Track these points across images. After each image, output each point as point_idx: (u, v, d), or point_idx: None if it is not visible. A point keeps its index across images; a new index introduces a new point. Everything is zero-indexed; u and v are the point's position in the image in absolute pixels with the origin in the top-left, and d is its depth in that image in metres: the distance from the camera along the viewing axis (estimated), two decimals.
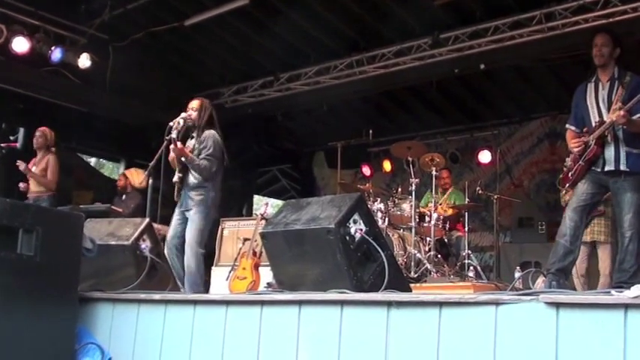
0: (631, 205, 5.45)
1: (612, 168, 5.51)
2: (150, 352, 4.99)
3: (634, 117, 5.43)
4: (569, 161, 5.87)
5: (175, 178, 6.64)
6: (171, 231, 6.77)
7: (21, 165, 8.82)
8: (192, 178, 6.63)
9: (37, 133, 9.09)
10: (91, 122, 11.97)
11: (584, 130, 5.77)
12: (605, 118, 5.57)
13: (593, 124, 5.67)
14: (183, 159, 6.54)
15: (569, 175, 5.81)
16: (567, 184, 5.90)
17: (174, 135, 6.49)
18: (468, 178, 11.84)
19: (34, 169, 8.92)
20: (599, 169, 5.59)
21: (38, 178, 8.86)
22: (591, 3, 8.75)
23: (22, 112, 11.36)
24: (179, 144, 6.50)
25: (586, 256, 7.46)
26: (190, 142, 6.78)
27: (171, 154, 6.68)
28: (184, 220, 6.66)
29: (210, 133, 6.70)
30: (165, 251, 6.67)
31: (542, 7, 9.08)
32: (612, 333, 3.02)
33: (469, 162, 12.79)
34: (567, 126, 6.03)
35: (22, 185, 9.00)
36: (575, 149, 5.73)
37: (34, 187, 8.90)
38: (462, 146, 13.04)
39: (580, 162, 5.66)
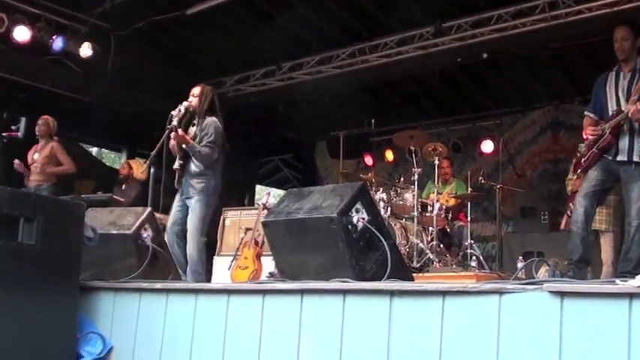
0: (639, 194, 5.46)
1: (625, 158, 5.51)
2: (151, 341, 4.99)
3: None
4: (583, 147, 5.89)
5: (176, 165, 6.62)
6: (171, 218, 6.76)
7: (18, 165, 8.86)
8: (194, 165, 6.61)
9: (40, 121, 9.12)
10: (93, 111, 11.93)
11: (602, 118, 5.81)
12: (622, 108, 5.57)
13: (611, 113, 5.67)
14: (184, 146, 6.53)
15: (582, 161, 5.83)
16: (579, 170, 5.94)
17: (175, 122, 6.48)
18: (471, 167, 11.81)
19: (36, 156, 8.93)
20: (610, 157, 5.59)
21: (52, 170, 8.88)
22: None
23: (24, 101, 11.34)
24: (180, 131, 6.49)
25: (615, 243, 7.45)
26: (192, 129, 6.77)
27: (172, 142, 6.67)
28: (185, 208, 6.66)
29: (212, 120, 6.68)
30: (166, 239, 6.66)
31: None
32: (617, 322, 3.01)
33: (471, 151, 12.76)
34: (586, 112, 6.04)
35: (17, 162, 8.96)
36: (591, 137, 5.74)
37: (35, 175, 8.88)
38: (464, 136, 13.00)
39: (594, 149, 5.67)
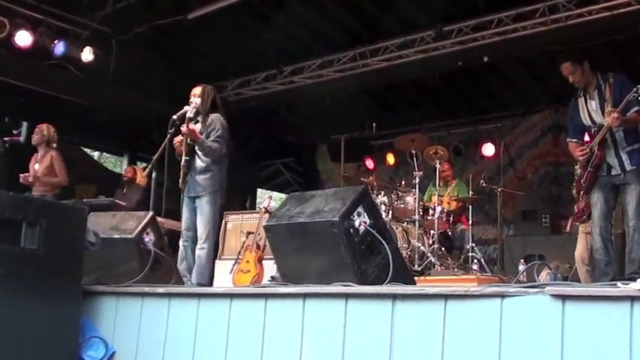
0: (635, 195, 5.60)
1: (619, 172, 5.71)
2: (154, 345, 4.98)
3: (628, 113, 5.57)
4: (578, 169, 6.03)
5: (182, 162, 6.67)
6: (185, 224, 6.82)
7: (23, 179, 8.85)
8: (200, 161, 6.73)
9: (35, 130, 9.08)
10: (94, 116, 11.97)
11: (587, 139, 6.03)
12: (602, 122, 5.77)
13: (593, 131, 5.90)
14: (194, 141, 6.64)
15: (582, 182, 6.01)
16: (581, 192, 6.16)
17: (190, 114, 6.62)
18: (472, 170, 11.81)
19: (37, 166, 8.89)
20: (604, 174, 5.74)
21: (49, 180, 8.84)
22: None
23: (25, 105, 11.36)
24: (191, 125, 6.61)
25: (589, 246, 7.50)
26: (196, 127, 6.83)
27: (177, 139, 6.75)
28: (195, 209, 6.73)
29: (217, 116, 6.83)
30: (180, 243, 6.73)
31: (546, 0, 9.04)
32: (618, 325, 3.00)
33: (472, 155, 12.79)
34: (568, 140, 6.28)
35: (22, 176, 8.97)
36: (581, 157, 5.91)
37: (38, 186, 8.86)
38: (465, 139, 13.03)
39: (588, 168, 5.82)
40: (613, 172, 5.76)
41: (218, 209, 6.90)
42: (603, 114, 5.75)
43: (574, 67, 5.90)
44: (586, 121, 5.96)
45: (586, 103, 5.95)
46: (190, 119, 6.70)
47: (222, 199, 6.94)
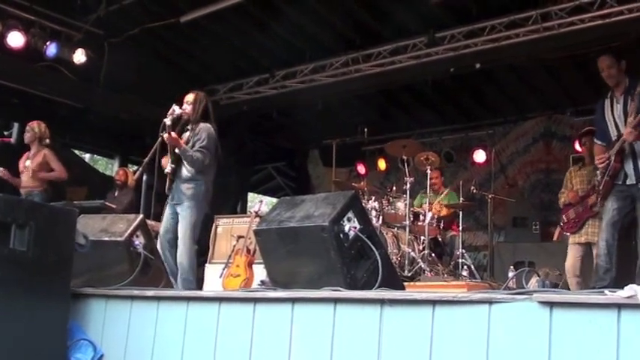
0: None
1: (634, 181, 5.70)
2: (142, 348, 4.98)
3: None
4: (599, 175, 6.04)
5: (168, 169, 6.60)
6: (163, 226, 6.74)
7: (3, 174, 8.82)
8: (185, 170, 6.58)
9: (26, 128, 9.02)
10: (86, 118, 11.94)
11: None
12: (622, 132, 5.75)
13: (613, 139, 5.87)
14: (176, 150, 6.51)
15: (599, 189, 6.01)
16: (599, 199, 6.10)
17: (168, 122, 6.47)
18: (463, 177, 11.84)
19: (28, 162, 8.84)
20: (620, 182, 5.75)
21: (45, 176, 8.80)
22: (587, 4, 8.73)
23: (17, 107, 11.33)
24: (173, 134, 6.46)
25: (580, 256, 7.52)
26: (185, 135, 6.75)
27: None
28: (176, 215, 6.62)
29: (205, 126, 6.66)
30: (158, 246, 6.63)
31: (538, 7, 9.07)
32: (605, 332, 3.02)
33: (464, 161, 12.80)
34: (595, 141, 6.26)
35: (1, 170, 8.91)
36: (600, 165, 5.95)
37: (26, 181, 8.82)
38: (456, 145, 13.06)
39: (605, 177, 5.84)
40: (628, 182, 5.74)
41: (200, 218, 6.73)
42: (625, 122, 5.75)
43: (612, 62, 5.89)
44: (611, 126, 5.94)
45: (612, 105, 5.92)
46: (169, 126, 6.60)
47: (206, 208, 6.82)
